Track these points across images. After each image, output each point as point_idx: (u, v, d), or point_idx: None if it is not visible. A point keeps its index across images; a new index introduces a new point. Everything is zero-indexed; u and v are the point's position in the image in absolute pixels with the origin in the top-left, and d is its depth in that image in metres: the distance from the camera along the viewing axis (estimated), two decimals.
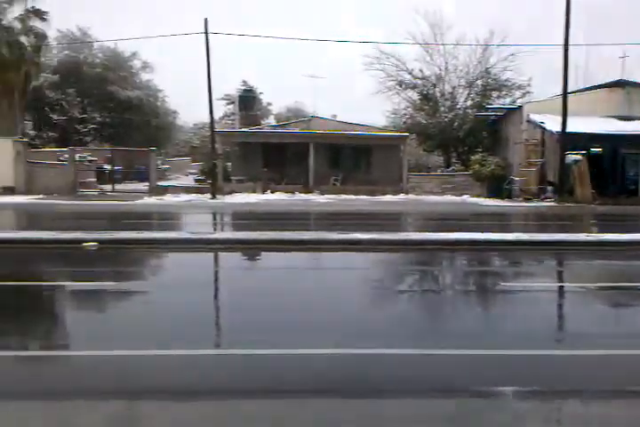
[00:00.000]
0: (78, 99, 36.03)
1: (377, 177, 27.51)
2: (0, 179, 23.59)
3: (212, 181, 24.14)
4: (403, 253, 11.23)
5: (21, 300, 7.43)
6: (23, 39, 25.58)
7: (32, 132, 32.99)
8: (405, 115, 34.36)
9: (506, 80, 32.13)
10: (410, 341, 5.40)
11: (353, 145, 28.79)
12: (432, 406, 3.97)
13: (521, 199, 23.97)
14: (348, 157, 29.35)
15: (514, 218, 19.53)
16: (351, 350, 5.04)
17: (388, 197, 24.75)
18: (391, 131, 32.18)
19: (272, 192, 25.36)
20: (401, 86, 32.87)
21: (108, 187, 25.66)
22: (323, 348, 5.05)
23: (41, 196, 22.93)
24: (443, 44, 31.03)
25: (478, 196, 25.64)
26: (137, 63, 39.80)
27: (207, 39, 23.48)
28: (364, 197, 24.66)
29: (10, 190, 23.53)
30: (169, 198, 23.12)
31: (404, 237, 11.86)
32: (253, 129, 30.48)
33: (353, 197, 24.73)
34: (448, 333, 5.87)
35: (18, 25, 25.99)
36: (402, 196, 25.60)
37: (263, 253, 11.26)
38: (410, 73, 32.48)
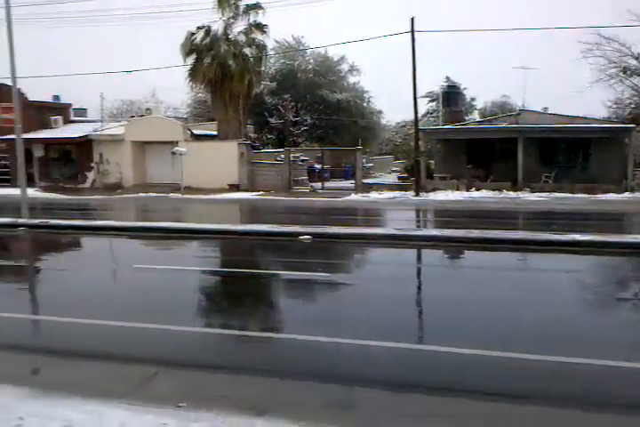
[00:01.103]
0: (292, 103, 38.82)
1: (596, 174, 25.05)
2: (227, 177, 26.53)
3: (415, 178, 24.20)
4: (630, 257, 10.09)
5: (244, 286, 8.27)
6: (246, 51, 28.22)
7: (253, 135, 36.38)
8: (631, 104, 30.89)
9: None
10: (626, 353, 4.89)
11: (567, 139, 26.61)
12: None
13: None
14: (562, 152, 27.20)
15: None
16: (560, 357, 4.73)
17: (610, 196, 22.41)
18: (613, 122, 29.10)
19: (477, 190, 24.58)
20: (625, 73, 29.54)
21: (317, 184, 27.25)
22: (527, 353, 4.84)
23: (261, 192, 25.24)
24: None
25: None
26: (345, 67, 41.52)
27: (413, 38, 23.50)
28: (581, 195, 22.63)
29: (235, 187, 26.33)
30: (373, 195, 23.76)
31: (633, 240, 10.63)
32: (457, 125, 29.83)
33: (567, 195, 22.86)
34: None
35: (242, 38, 28.74)
36: (627, 194, 22.97)
37: (468, 251, 11.00)
38: (636, 58, 29.05)
